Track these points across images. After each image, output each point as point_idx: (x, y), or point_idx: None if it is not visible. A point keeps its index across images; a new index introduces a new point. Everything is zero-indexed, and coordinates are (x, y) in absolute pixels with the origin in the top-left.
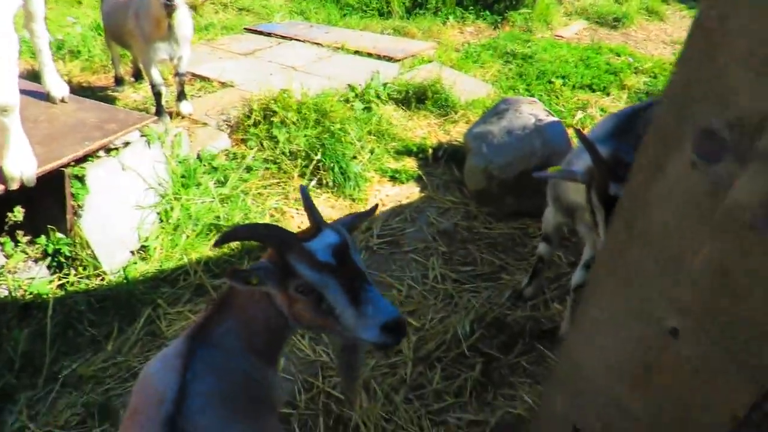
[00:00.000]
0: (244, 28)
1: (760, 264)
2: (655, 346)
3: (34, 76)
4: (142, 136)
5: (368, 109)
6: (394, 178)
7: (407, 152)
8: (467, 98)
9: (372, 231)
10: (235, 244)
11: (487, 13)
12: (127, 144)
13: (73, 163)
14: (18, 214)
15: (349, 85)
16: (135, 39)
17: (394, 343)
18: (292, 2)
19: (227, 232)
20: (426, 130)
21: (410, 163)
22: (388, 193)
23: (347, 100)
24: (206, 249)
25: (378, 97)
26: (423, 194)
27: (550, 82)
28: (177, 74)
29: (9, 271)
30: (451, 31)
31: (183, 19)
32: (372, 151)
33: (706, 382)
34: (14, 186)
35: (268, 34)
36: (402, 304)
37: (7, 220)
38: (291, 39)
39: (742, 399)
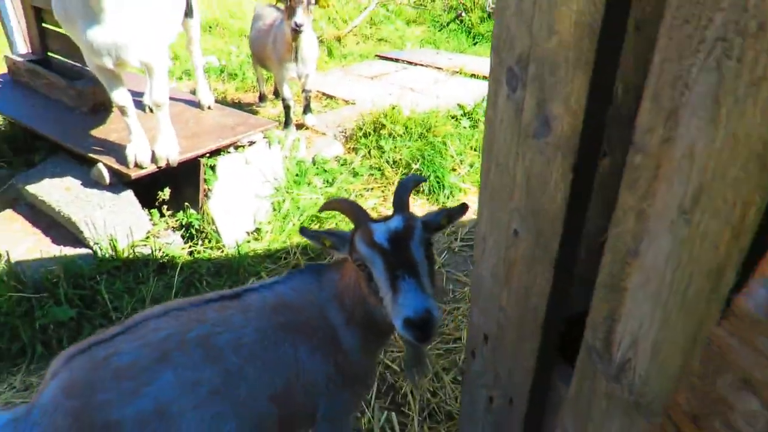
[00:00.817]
0: (376, 55)
1: (540, 164)
2: (509, 246)
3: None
4: (265, 138)
5: (474, 126)
6: None
7: None
8: None
9: (457, 234)
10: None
11: None
12: (252, 143)
13: (208, 155)
14: (165, 193)
15: (458, 104)
16: (271, 60)
17: (416, 339)
18: (427, 33)
19: (326, 203)
20: None
21: None
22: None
23: (455, 118)
24: None
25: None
26: None
27: None
28: (304, 90)
29: (154, 236)
30: None
31: (309, 41)
32: (471, 165)
33: (532, 270)
34: (162, 165)
35: (396, 60)
36: (470, 299)
37: (157, 197)
38: (416, 64)
39: (547, 284)
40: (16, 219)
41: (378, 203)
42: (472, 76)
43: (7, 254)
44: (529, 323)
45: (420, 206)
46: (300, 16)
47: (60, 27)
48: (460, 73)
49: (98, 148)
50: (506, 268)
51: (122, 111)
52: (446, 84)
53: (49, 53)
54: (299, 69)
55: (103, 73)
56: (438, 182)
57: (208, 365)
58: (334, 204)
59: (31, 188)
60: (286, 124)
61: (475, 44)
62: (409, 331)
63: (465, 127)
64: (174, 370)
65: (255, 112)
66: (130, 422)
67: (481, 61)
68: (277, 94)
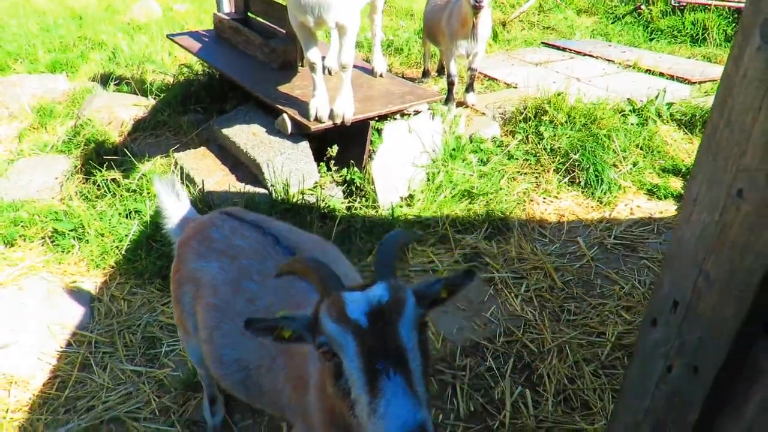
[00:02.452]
0: (542, 42)
1: None
2: (728, 207)
3: (366, 59)
4: (429, 109)
5: (643, 124)
6: (652, 192)
7: (674, 171)
8: None
9: (611, 231)
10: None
11: None
12: (417, 113)
13: (376, 119)
14: (333, 150)
15: (628, 99)
16: (443, 36)
17: None
18: (599, 24)
19: (286, 263)
20: None
21: (675, 183)
22: (641, 204)
23: (623, 113)
24: (457, 209)
25: (659, 115)
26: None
27: None
28: (470, 68)
29: (320, 186)
30: None
31: (485, 20)
32: (635, 164)
33: (754, 232)
34: (338, 121)
35: (563, 49)
36: (620, 298)
37: (326, 153)
38: (585, 55)
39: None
40: (208, 156)
41: (530, 188)
42: (647, 71)
43: (202, 183)
44: (737, 287)
45: (573, 197)
46: None
47: None
48: (634, 68)
49: (284, 101)
50: (719, 230)
51: (312, 67)
52: (616, 77)
53: (250, 14)
54: (470, 47)
55: (302, 30)
56: (597, 176)
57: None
58: (295, 265)
59: (224, 130)
60: (447, 100)
61: (651, 40)
62: None
63: (633, 124)
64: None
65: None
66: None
67: (659, 57)
68: (440, 71)
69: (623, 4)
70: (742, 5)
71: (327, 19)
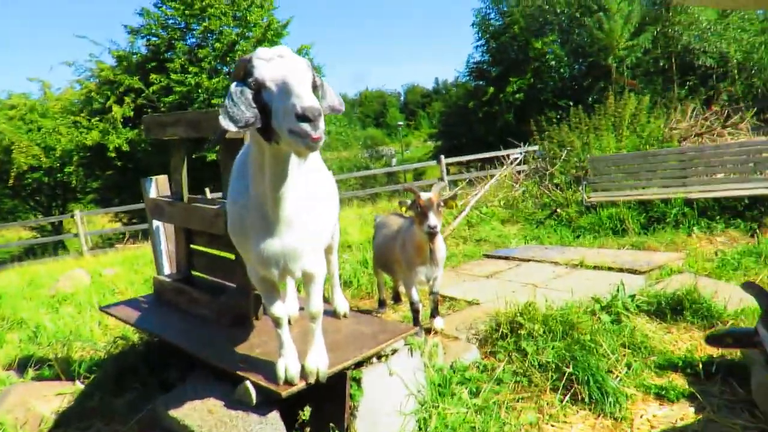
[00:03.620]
0: (483, 255)
1: None
2: None
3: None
4: (406, 344)
5: (617, 321)
6: (660, 395)
7: (671, 367)
8: (734, 306)
9: None
10: None
11: (739, 221)
12: (394, 351)
13: (353, 367)
14: (306, 413)
15: (593, 298)
16: (399, 264)
17: None
18: (525, 230)
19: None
20: (689, 342)
21: (677, 380)
22: (656, 413)
23: (593, 312)
24: None
25: (626, 309)
26: (700, 416)
27: None
28: (432, 293)
29: None
30: (698, 242)
31: (440, 243)
32: (629, 365)
33: None
34: (312, 380)
35: (506, 258)
36: None
37: (297, 418)
38: (528, 261)
39: None
40: None
41: (535, 418)
42: (595, 267)
43: None
44: None
45: (582, 418)
46: (433, 219)
47: (207, 246)
48: (582, 266)
49: (243, 365)
50: None
51: (277, 323)
52: (570, 277)
53: (193, 272)
54: (429, 272)
55: (264, 284)
56: (599, 388)
57: None
58: None
59: (172, 412)
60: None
61: (577, 237)
62: None
63: (607, 322)
64: None
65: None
66: None
67: (598, 252)
68: (396, 299)
69: (540, 210)
70: (645, 197)
71: (294, 270)
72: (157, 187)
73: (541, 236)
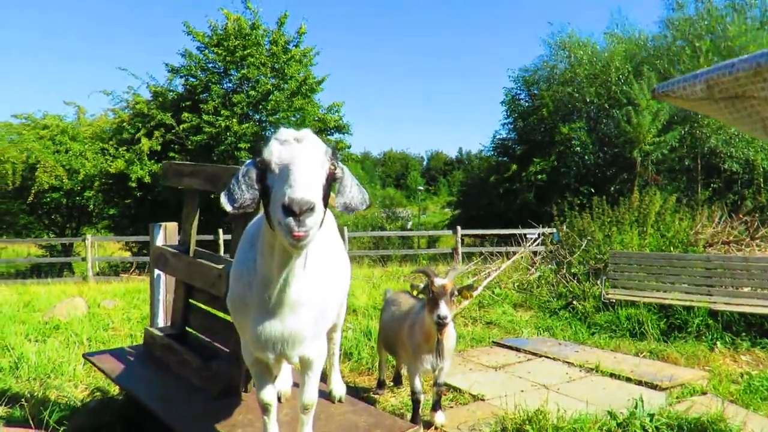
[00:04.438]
0: (492, 342)
1: None
2: None
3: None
4: None
5: None
6: None
7: None
8: None
9: None
10: None
11: (766, 340)
12: None
13: None
14: None
15: (608, 412)
16: (405, 348)
17: None
18: (537, 318)
19: None
20: None
21: None
22: None
23: (609, 430)
24: None
25: (644, 430)
26: None
27: None
28: (436, 384)
29: None
30: (721, 359)
31: (450, 332)
32: None
33: None
34: None
35: (517, 349)
36: None
37: None
38: (540, 356)
39: None
40: None
41: None
42: (612, 375)
43: None
44: None
45: None
46: (444, 309)
47: (206, 304)
48: (597, 371)
49: None
50: None
51: (265, 409)
52: (584, 382)
53: (188, 328)
54: (435, 362)
55: (258, 366)
56: None
57: None
58: None
59: None
60: (414, 419)
61: (593, 334)
62: None
63: None
64: None
65: (373, 401)
66: None
67: (615, 357)
68: (396, 380)
69: (556, 300)
70: (667, 301)
71: (291, 356)
72: (165, 234)
73: (555, 328)
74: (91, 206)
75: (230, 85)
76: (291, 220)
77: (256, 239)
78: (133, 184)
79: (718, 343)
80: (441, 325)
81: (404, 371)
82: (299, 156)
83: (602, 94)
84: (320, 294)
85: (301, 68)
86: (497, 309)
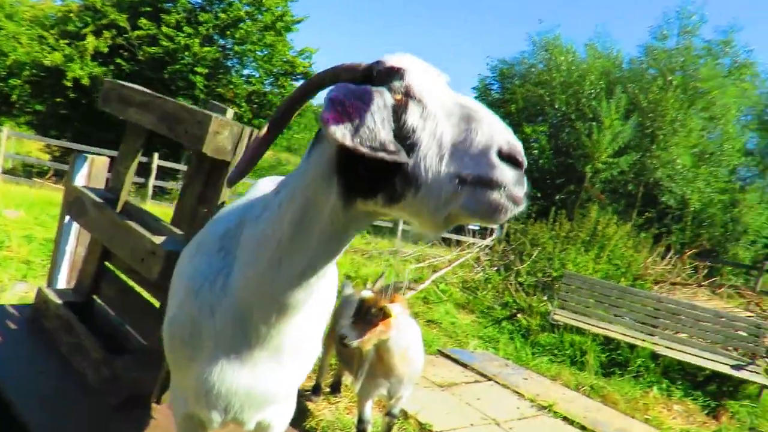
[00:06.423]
0: (438, 350)
1: None
2: None
3: None
4: None
5: None
6: None
7: None
8: None
9: None
10: None
11: (699, 393)
12: None
13: None
14: None
15: None
16: (358, 360)
17: None
18: (480, 325)
19: None
20: None
21: None
22: None
23: None
24: None
25: None
26: None
27: None
28: (389, 414)
29: None
30: (656, 406)
31: (413, 357)
32: None
33: None
34: None
35: (464, 365)
36: None
37: None
38: (489, 378)
39: None
40: None
41: None
42: (565, 419)
43: None
44: None
45: None
46: (345, 327)
47: (127, 275)
48: (550, 410)
49: None
50: None
51: None
52: (536, 423)
53: (95, 297)
54: (393, 388)
55: (189, 423)
56: None
57: None
58: None
59: None
60: None
61: (534, 355)
62: None
63: None
64: None
65: (304, 409)
66: None
67: (566, 395)
68: (334, 388)
69: (500, 308)
70: (612, 334)
71: (247, 420)
72: (91, 170)
73: (498, 339)
74: (15, 96)
75: (199, 0)
76: (515, 173)
77: (231, 241)
78: (69, 83)
79: (654, 387)
80: (343, 345)
81: (345, 379)
82: (469, 98)
83: (572, 103)
84: (317, 334)
85: (280, 1)
86: (440, 307)
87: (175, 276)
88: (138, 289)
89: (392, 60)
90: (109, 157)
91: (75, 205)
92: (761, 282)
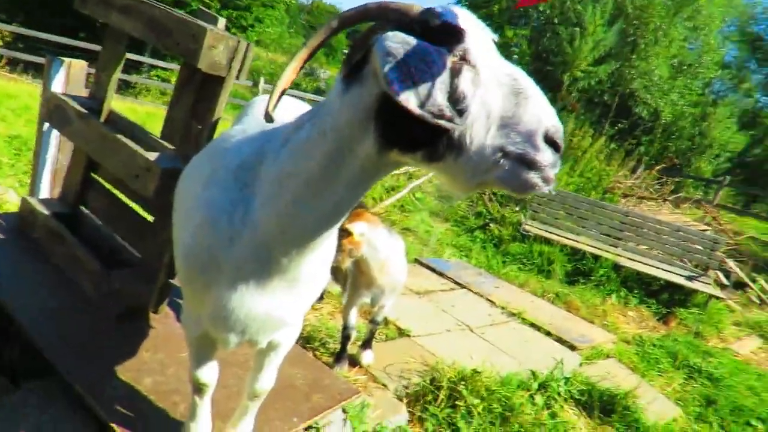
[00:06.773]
0: (415, 259)
1: None
2: None
3: None
4: (343, 413)
5: (548, 406)
6: None
7: None
8: (657, 419)
9: None
10: None
11: (653, 301)
12: (328, 423)
13: None
14: None
15: (532, 372)
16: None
17: None
18: (454, 233)
19: None
20: None
21: None
22: None
23: (527, 388)
24: None
25: (558, 393)
26: None
27: (748, 424)
28: (372, 321)
29: None
30: (613, 312)
31: (394, 269)
32: None
33: None
34: None
35: (440, 274)
36: None
37: None
38: (462, 286)
39: None
40: None
41: None
42: (532, 325)
43: None
44: None
45: None
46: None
47: (116, 187)
48: (519, 317)
49: (119, 406)
50: None
51: (199, 389)
52: (505, 329)
53: (83, 208)
54: (375, 296)
55: (202, 342)
56: None
57: None
58: None
59: None
60: (339, 358)
61: (504, 263)
62: None
63: (540, 407)
64: None
65: None
66: None
67: (534, 302)
68: (318, 297)
69: (473, 218)
70: (579, 245)
71: (261, 341)
72: (68, 75)
73: (470, 248)
74: None
75: None
76: (554, 157)
77: (250, 172)
78: None
79: (613, 295)
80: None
81: (329, 288)
82: (518, 69)
83: (556, 6)
84: (327, 263)
85: None
86: (416, 216)
87: (180, 201)
88: (127, 200)
89: (451, 16)
90: (83, 58)
91: (56, 114)
92: (720, 196)
